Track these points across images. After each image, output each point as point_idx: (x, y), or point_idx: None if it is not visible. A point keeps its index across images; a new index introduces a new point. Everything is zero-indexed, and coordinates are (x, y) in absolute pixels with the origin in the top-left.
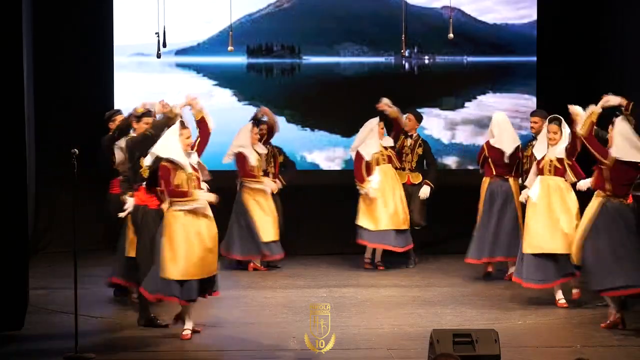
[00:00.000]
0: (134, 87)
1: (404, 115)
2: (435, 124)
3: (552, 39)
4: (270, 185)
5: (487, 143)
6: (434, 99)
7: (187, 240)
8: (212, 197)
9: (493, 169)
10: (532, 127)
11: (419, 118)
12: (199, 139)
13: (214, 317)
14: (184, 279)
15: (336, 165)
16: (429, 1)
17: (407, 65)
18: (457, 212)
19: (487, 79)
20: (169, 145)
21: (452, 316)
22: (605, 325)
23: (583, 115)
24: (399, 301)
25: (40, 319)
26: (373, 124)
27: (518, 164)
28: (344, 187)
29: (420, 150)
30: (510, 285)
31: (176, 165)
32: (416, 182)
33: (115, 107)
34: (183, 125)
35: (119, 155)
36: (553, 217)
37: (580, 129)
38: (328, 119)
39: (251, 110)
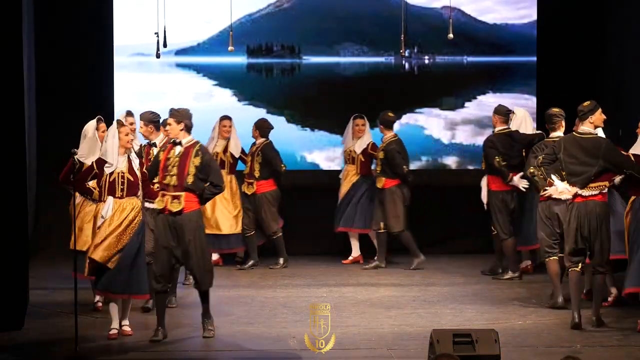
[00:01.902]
0: (134, 87)
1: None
2: (435, 124)
3: (552, 39)
4: None
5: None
6: (434, 99)
7: None
8: None
9: None
10: None
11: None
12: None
13: (213, 317)
14: None
15: (336, 165)
16: (429, 1)
17: (407, 65)
18: (457, 212)
19: (487, 79)
20: None
21: (452, 316)
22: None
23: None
24: (399, 301)
25: (40, 319)
26: None
27: None
28: None
29: (381, 154)
30: (510, 285)
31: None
32: (379, 186)
33: (116, 107)
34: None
35: None
36: None
37: None
38: (328, 119)
39: (251, 111)
